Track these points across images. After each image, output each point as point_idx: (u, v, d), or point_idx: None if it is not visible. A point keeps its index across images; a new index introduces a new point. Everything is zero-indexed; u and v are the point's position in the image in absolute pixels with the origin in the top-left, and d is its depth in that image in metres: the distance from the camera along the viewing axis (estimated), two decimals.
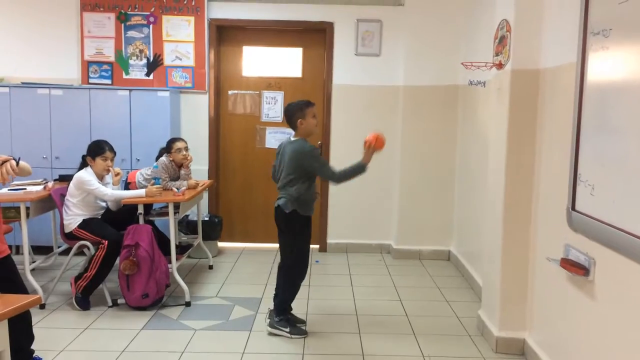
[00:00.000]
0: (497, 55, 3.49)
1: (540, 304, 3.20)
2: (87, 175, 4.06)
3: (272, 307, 3.74)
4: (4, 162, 2.64)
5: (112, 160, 4.20)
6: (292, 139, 3.59)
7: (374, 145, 3.43)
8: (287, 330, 3.60)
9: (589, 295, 2.56)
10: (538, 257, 3.22)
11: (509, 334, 3.39)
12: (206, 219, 5.39)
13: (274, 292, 3.77)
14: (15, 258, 2.90)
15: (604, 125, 2.41)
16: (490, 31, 3.73)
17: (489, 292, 3.61)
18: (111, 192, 4.11)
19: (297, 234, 3.59)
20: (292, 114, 3.54)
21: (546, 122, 3.14)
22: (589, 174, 2.51)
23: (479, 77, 4.53)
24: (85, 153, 4.18)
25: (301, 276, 3.67)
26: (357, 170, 3.46)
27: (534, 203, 3.27)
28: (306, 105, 3.55)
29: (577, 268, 2.59)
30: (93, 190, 4.03)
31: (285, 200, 3.51)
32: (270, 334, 3.62)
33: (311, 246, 3.74)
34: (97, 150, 4.14)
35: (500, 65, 3.43)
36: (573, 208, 2.65)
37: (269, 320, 3.69)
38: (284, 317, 3.65)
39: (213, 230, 5.40)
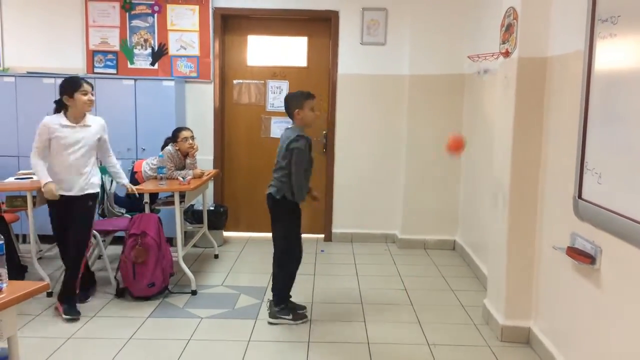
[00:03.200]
0: (503, 43, 3.47)
1: (546, 293, 3.20)
2: (48, 119, 3.60)
3: (271, 298, 3.74)
4: None
5: (92, 94, 3.68)
6: (289, 126, 3.63)
7: (452, 149, 3.46)
8: (290, 317, 3.62)
9: (595, 283, 2.56)
10: (544, 245, 3.21)
11: (515, 323, 3.39)
12: (211, 208, 5.40)
13: (270, 282, 3.78)
14: (22, 247, 2.93)
15: (611, 113, 2.39)
16: (497, 19, 3.70)
17: (495, 281, 3.61)
18: (34, 156, 3.63)
19: (287, 221, 3.61)
20: (289, 104, 3.59)
21: (553, 110, 3.12)
22: (596, 162, 2.50)
23: (487, 67, 4.51)
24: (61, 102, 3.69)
25: (295, 263, 3.68)
26: (296, 194, 3.49)
27: (540, 191, 3.26)
28: (305, 97, 3.58)
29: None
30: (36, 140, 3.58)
31: (275, 187, 3.55)
32: (271, 324, 3.63)
33: (313, 235, 3.73)
34: (74, 84, 3.60)
35: (507, 53, 3.41)
36: (579, 196, 2.64)
37: (269, 311, 3.70)
38: (284, 305, 3.65)
39: (218, 219, 5.41)
